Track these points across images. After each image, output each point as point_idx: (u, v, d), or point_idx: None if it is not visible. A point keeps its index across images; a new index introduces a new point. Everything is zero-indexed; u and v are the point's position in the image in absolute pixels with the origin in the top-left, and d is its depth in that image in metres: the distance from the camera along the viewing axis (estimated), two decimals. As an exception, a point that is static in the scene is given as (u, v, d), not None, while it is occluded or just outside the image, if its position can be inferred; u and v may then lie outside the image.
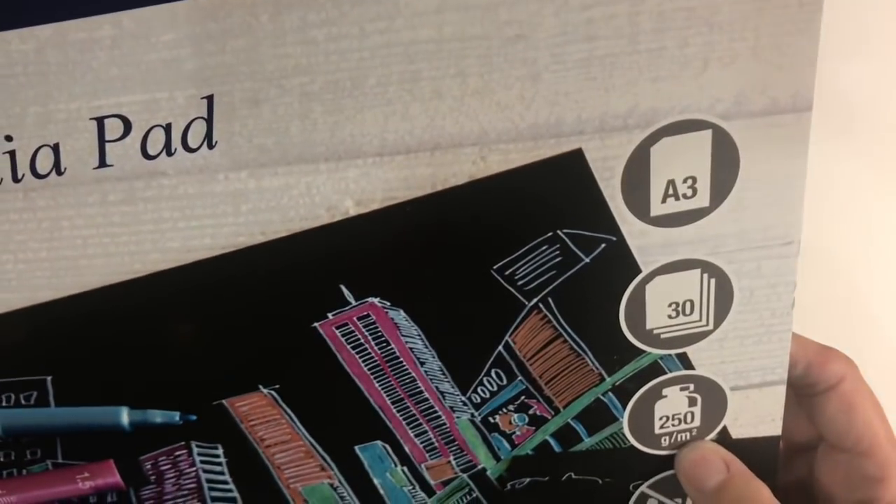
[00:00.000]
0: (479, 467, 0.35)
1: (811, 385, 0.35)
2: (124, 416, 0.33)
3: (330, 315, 0.32)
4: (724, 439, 0.36)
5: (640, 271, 0.32)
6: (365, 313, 0.32)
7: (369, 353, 0.33)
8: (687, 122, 0.30)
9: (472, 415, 0.34)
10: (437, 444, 0.35)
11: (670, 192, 0.31)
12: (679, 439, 0.35)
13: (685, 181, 0.31)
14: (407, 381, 0.33)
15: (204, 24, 0.27)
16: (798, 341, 0.34)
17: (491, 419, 0.35)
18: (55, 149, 0.28)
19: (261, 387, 0.33)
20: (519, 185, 0.30)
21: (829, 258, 0.45)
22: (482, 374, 0.34)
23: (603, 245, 0.32)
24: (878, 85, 0.43)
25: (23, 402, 0.32)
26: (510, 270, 0.32)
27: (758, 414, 0.35)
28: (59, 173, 0.29)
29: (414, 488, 0.35)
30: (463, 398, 0.34)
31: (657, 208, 0.31)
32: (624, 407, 0.35)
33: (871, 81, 0.43)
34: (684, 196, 0.31)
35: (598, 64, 0.29)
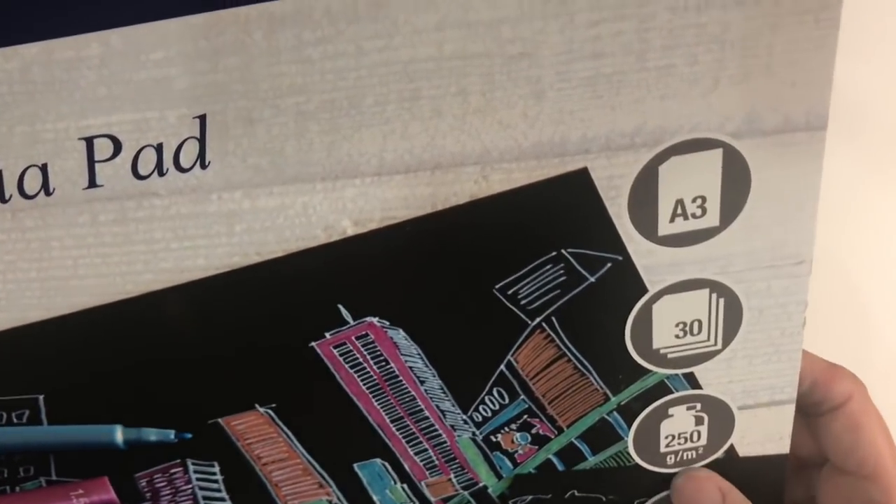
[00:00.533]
0: (481, 485, 0.35)
1: (817, 403, 0.34)
2: (118, 434, 0.32)
3: (328, 335, 0.31)
4: (731, 457, 0.35)
5: (646, 291, 0.31)
6: (363, 333, 0.31)
7: (368, 373, 0.32)
8: (696, 141, 0.29)
9: (474, 433, 0.34)
10: (437, 462, 0.34)
11: (679, 211, 0.30)
12: (685, 458, 0.35)
13: (694, 200, 0.30)
14: (406, 399, 0.33)
15: (195, 43, 0.26)
16: (805, 358, 0.33)
17: (493, 438, 0.34)
18: (43, 169, 0.28)
19: (257, 406, 0.32)
20: (522, 205, 0.29)
21: (832, 263, 0.44)
22: (484, 392, 0.33)
23: (608, 264, 0.31)
24: (879, 88, 0.42)
25: (14, 420, 0.31)
26: (513, 290, 0.31)
27: (766, 432, 0.34)
28: (48, 193, 0.28)
29: (414, 504, 0.35)
30: (464, 417, 0.33)
31: (665, 228, 0.30)
32: (629, 426, 0.34)
33: (873, 84, 0.42)
34: (693, 215, 0.30)
35: (605, 82, 0.28)
